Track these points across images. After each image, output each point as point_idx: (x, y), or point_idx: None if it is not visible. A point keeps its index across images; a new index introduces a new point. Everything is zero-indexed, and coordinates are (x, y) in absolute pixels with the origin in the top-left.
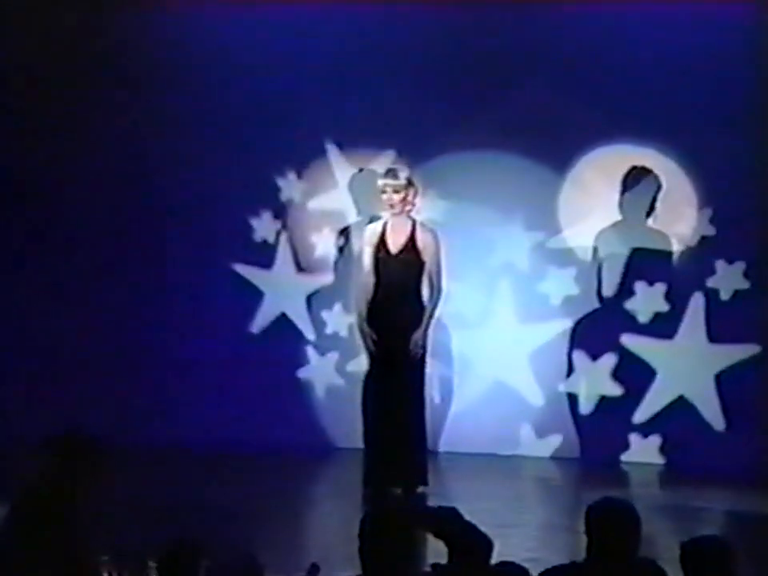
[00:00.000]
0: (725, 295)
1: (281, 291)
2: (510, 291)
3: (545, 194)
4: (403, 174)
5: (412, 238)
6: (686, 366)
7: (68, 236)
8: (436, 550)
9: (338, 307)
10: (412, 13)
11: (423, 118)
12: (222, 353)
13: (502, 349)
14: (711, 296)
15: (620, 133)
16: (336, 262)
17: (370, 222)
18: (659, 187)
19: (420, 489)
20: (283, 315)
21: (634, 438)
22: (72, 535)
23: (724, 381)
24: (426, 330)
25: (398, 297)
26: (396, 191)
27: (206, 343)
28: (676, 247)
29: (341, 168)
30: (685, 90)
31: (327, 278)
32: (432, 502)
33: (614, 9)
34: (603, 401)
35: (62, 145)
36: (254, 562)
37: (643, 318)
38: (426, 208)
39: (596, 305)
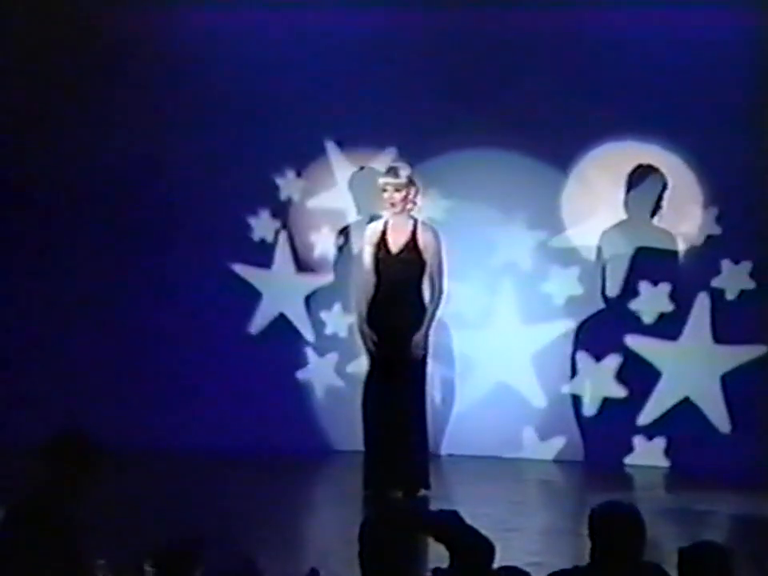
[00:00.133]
0: (730, 295)
1: (279, 291)
2: (512, 291)
3: (548, 192)
4: (404, 173)
5: (413, 238)
6: (691, 368)
7: (65, 236)
8: (437, 555)
9: (337, 307)
10: (413, 10)
11: (424, 115)
12: (220, 354)
13: (504, 350)
14: (717, 296)
15: (625, 130)
16: (336, 262)
17: (371, 221)
18: (665, 185)
19: (421, 492)
20: (282, 316)
21: (638, 441)
22: (68, 538)
23: (730, 382)
24: (427, 330)
25: (399, 297)
26: (397, 190)
27: (204, 344)
28: (681, 246)
29: (341, 166)
30: (691, 86)
31: (327, 278)
32: (433, 506)
33: (618, 4)
34: (607, 402)
35: (59, 145)
36: (252, 566)
37: (648, 318)
38: (427, 207)
39: (600, 305)
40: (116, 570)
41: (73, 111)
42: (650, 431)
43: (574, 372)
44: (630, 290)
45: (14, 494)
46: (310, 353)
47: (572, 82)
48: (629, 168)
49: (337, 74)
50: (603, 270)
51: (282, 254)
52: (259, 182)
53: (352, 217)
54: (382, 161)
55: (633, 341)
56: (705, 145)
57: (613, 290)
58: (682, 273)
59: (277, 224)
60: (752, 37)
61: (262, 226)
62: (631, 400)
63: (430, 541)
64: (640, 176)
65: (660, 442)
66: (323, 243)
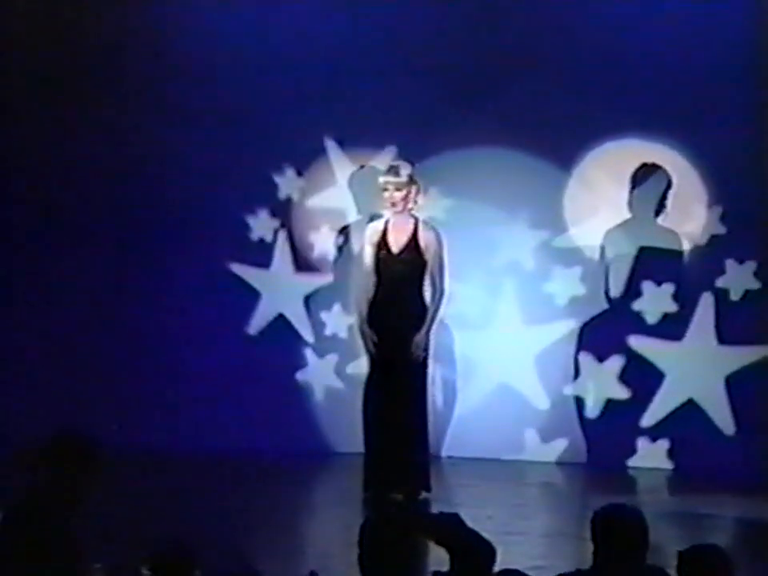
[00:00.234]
0: (735, 295)
1: (278, 291)
2: (514, 292)
3: (550, 191)
4: (405, 172)
5: (414, 237)
6: (695, 369)
7: (63, 236)
8: (437, 558)
9: (337, 308)
10: (414, 7)
11: (425, 113)
12: (218, 355)
13: (506, 351)
14: (721, 296)
15: (628, 127)
16: (335, 262)
17: (371, 220)
18: (669, 184)
19: (422, 495)
20: (281, 316)
21: (641, 443)
22: (65, 541)
23: (734, 383)
24: (428, 331)
25: (400, 297)
26: (398, 189)
27: (202, 345)
28: (685, 246)
29: (341, 165)
30: (695, 84)
31: (326, 278)
32: (434, 508)
33: (623, 0)
34: (610, 404)
35: (57, 145)
36: (252, 569)
37: (651, 318)
38: (429, 206)
39: (603, 305)
40: (113, 573)
41: (71, 111)
42: (653, 433)
43: (576, 373)
44: (633, 290)
45: (11, 496)
46: (309, 354)
47: (574, 79)
48: (632, 167)
49: (337, 71)
50: (606, 269)
51: (281, 254)
52: (258, 181)
53: (352, 216)
54: (382, 159)
55: (636, 342)
56: (709, 143)
57: (616, 290)
58: (685, 273)
59: (276, 223)
60: (758, 35)
61: (261, 225)
62: (634, 401)
63: (431, 544)
64: (644, 174)
65: (664, 444)
66: (323, 243)
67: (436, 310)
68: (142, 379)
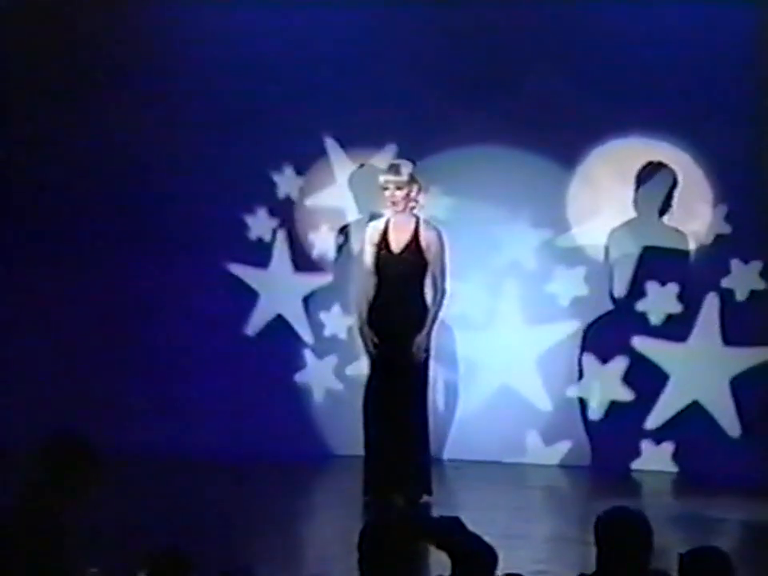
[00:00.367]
0: (740, 296)
1: (277, 292)
2: (516, 292)
3: (553, 190)
4: (406, 170)
5: (415, 237)
6: (700, 370)
7: (62, 237)
8: (439, 562)
9: (336, 308)
10: (415, 6)
11: (426, 112)
12: (216, 356)
13: (508, 352)
14: (726, 297)
15: (632, 125)
16: (335, 262)
17: (371, 219)
18: (675, 183)
19: (423, 498)
20: (279, 317)
21: (645, 445)
22: (60, 546)
23: (739, 385)
24: (429, 332)
25: (400, 297)
26: (398, 188)
27: (199, 346)
28: (690, 246)
29: (340, 164)
30: (701, 82)
31: (325, 278)
32: (435, 512)
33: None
34: (614, 406)
35: (54, 143)
36: (251, 573)
37: (655, 319)
38: (430, 205)
39: (606, 306)
40: None
41: (71, 111)
42: (657, 435)
43: (579, 375)
44: (636, 290)
45: (8, 498)
46: (308, 355)
47: (577, 77)
48: (636, 165)
49: (336, 70)
50: (610, 269)
51: (280, 254)
52: (256, 180)
53: (352, 215)
54: (382, 158)
55: (640, 342)
56: (714, 142)
57: (619, 291)
58: (690, 273)
59: (274, 222)
60: (762, 34)
61: (259, 224)
62: (638, 403)
63: (432, 548)
64: (649, 173)
65: (668, 447)
66: (322, 242)
67: (437, 311)
68: (140, 381)
